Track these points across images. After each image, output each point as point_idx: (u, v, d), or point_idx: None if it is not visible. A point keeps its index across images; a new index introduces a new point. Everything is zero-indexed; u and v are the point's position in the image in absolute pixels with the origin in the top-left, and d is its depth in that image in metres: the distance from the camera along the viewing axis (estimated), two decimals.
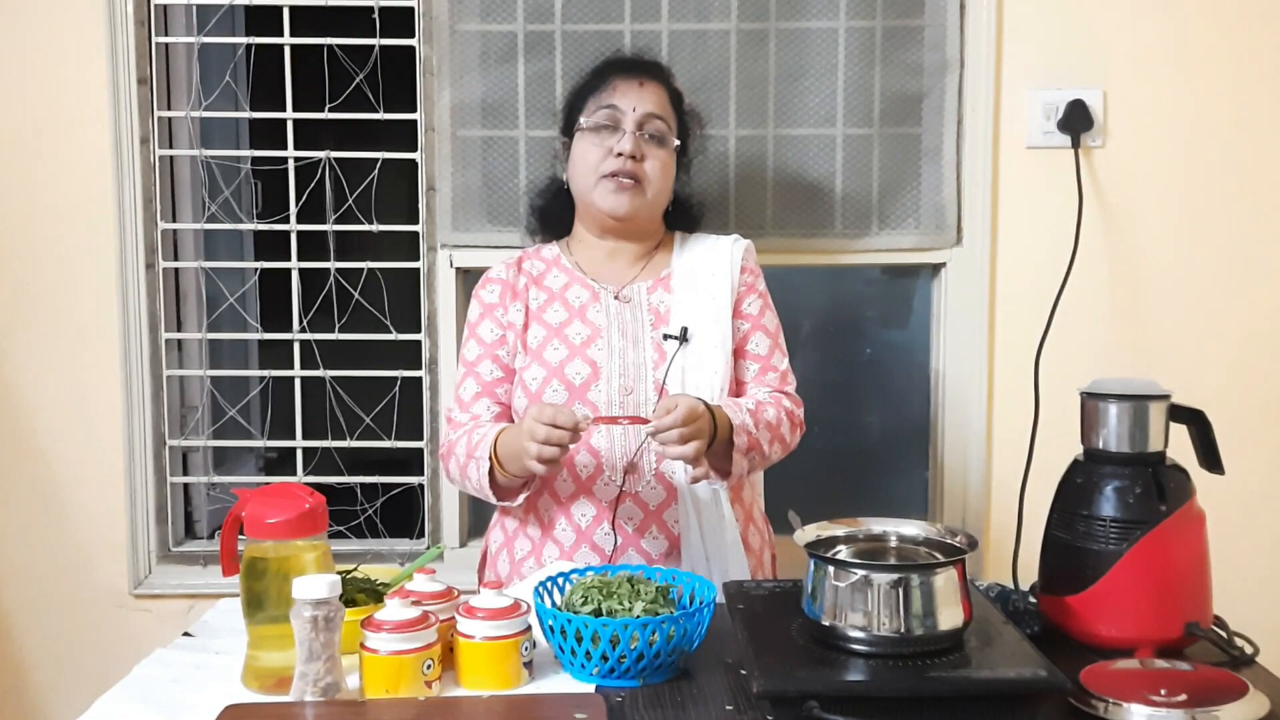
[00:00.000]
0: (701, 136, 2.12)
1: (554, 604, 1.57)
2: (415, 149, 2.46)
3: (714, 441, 1.74)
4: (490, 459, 1.80)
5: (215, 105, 2.51)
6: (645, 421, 1.70)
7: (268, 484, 1.58)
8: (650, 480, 1.85)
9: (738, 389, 1.94)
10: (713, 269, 1.96)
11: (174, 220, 2.53)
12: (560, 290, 1.96)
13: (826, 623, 1.41)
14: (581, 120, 1.96)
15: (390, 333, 2.52)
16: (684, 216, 2.08)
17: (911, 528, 1.56)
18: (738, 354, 1.94)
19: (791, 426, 1.90)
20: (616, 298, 1.94)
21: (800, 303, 2.53)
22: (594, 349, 1.88)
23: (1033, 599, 1.65)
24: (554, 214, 2.06)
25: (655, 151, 1.93)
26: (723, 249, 1.99)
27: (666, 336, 1.89)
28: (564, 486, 1.87)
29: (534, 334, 1.93)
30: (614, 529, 1.84)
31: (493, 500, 1.87)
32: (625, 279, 1.97)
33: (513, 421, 1.93)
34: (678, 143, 1.98)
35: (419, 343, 2.50)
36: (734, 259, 1.97)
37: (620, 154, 1.89)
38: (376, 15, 2.44)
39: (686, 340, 1.88)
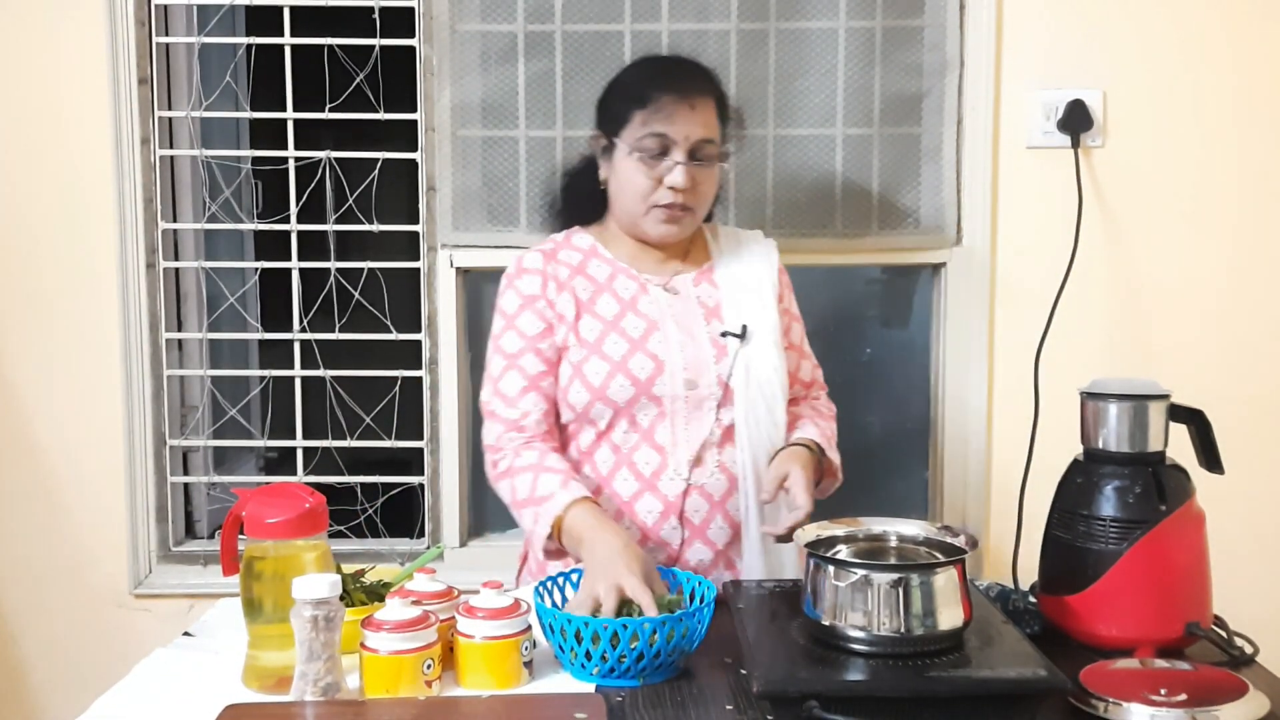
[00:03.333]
0: (740, 131, 2.06)
1: (554, 604, 1.57)
2: (415, 149, 2.46)
3: (823, 476, 1.89)
4: (554, 529, 1.72)
5: (215, 105, 2.51)
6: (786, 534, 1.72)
7: (268, 484, 1.58)
8: (714, 471, 1.84)
9: (799, 388, 1.99)
10: (757, 267, 1.96)
11: (174, 220, 2.54)
12: (606, 281, 1.92)
13: (826, 623, 1.41)
14: (626, 137, 1.85)
15: (390, 333, 2.53)
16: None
17: (911, 527, 1.56)
18: (799, 353, 2.00)
19: None
20: (664, 289, 1.92)
21: (800, 303, 2.52)
22: (654, 342, 1.85)
23: (1032, 599, 1.65)
24: (586, 200, 1.98)
25: (704, 174, 1.87)
26: (759, 246, 1.99)
27: (725, 334, 1.87)
28: (626, 486, 1.84)
29: (588, 326, 1.88)
30: (681, 523, 1.82)
31: (536, 553, 1.83)
32: (667, 271, 1.94)
33: (558, 418, 1.89)
34: (725, 157, 1.93)
35: (419, 342, 2.50)
36: (772, 259, 1.98)
37: (673, 187, 1.84)
38: (377, 15, 2.44)
39: (745, 338, 1.87)
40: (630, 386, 1.83)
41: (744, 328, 1.87)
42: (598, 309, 1.89)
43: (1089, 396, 1.61)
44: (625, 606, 1.51)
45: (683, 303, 1.91)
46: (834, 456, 1.90)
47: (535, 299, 1.90)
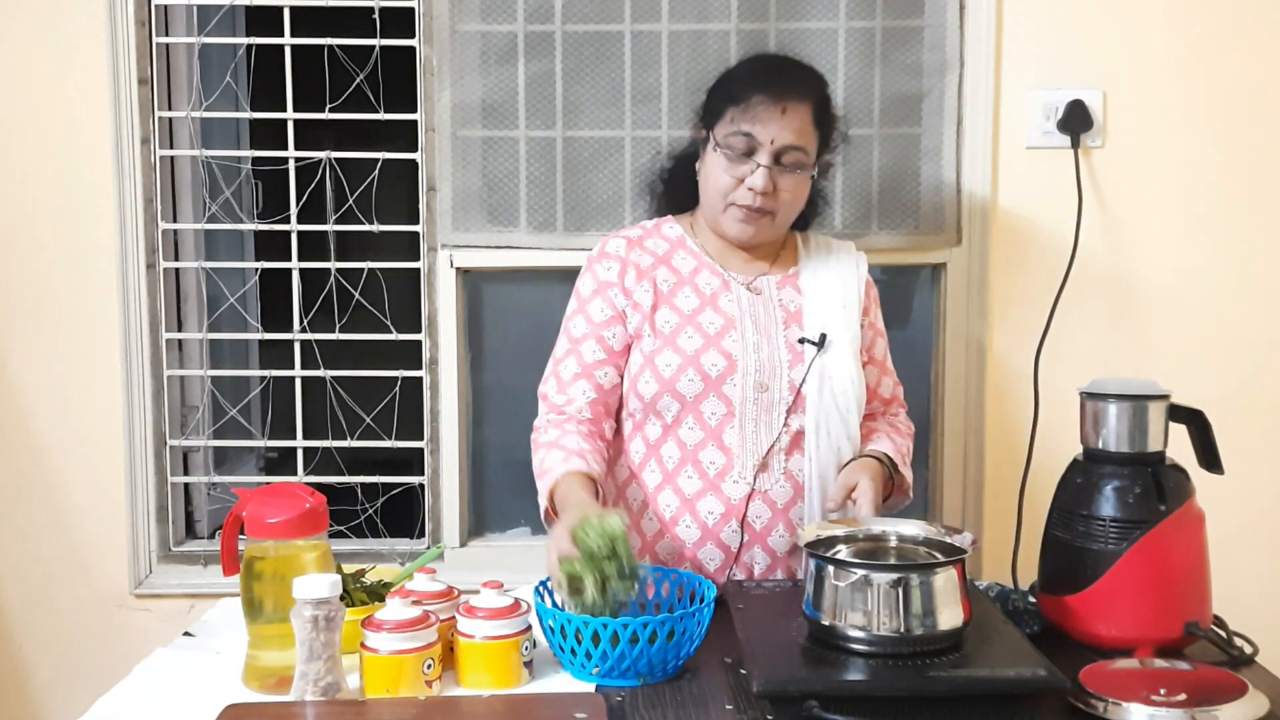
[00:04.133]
0: (844, 140, 2.01)
1: (554, 604, 1.57)
2: (415, 149, 2.47)
3: (893, 489, 1.86)
4: (548, 499, 1.75)
5: (216, 105, 2.51)
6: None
7: (268, 484, 1.58)
8: (779, 478, 1.83)
9: (878, 403, 1.98)
10: (843, 276, 1.93)
11: (174, 220, 2.54)
12: (690, 274, 1.91)
13: (826, 622, 1.41)
14: (718, 132, 1.85)
15: (391, 333, 2.53)
16: (804, 215, 2.01)
17: (911, 527, 1.56)
18: (881, 369, 1.98)
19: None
20: (748, 288, 1.91)
21: None
22: (728, 340, 1.85)
23: (1032, 599, 1.65)
24: (683, 186, 1.98)
25: (789, 181, 1.84)
26: (848, 255, 1.97)
27: (803, 340, 1.86)
28: (690, 484, 1.83)
29: (664, 317, 1.87)
30: (742, 527, 1.81)
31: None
32: (753, 270, 1.93)
33: (612, 407, 1.89)
34: (815, 165, 1.90)
35: (419, 343, 2.50)
36: (861, 269, 1.96)
37: (752, 189, 1.83)
38: (377, 15, 2.44)
39: (823, 347, 1.85)
40: (700, 381, 1.82)
41: (823, 336, 1.85)
42: (677, 301, 1.89)
43: (1088, 396, 1.62)
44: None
45: (764, 304, 1.90)
46: (906, 474, 1.88)
47: (610, 286, 1.90)
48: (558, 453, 1.78)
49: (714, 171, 1.86)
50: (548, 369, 1.92)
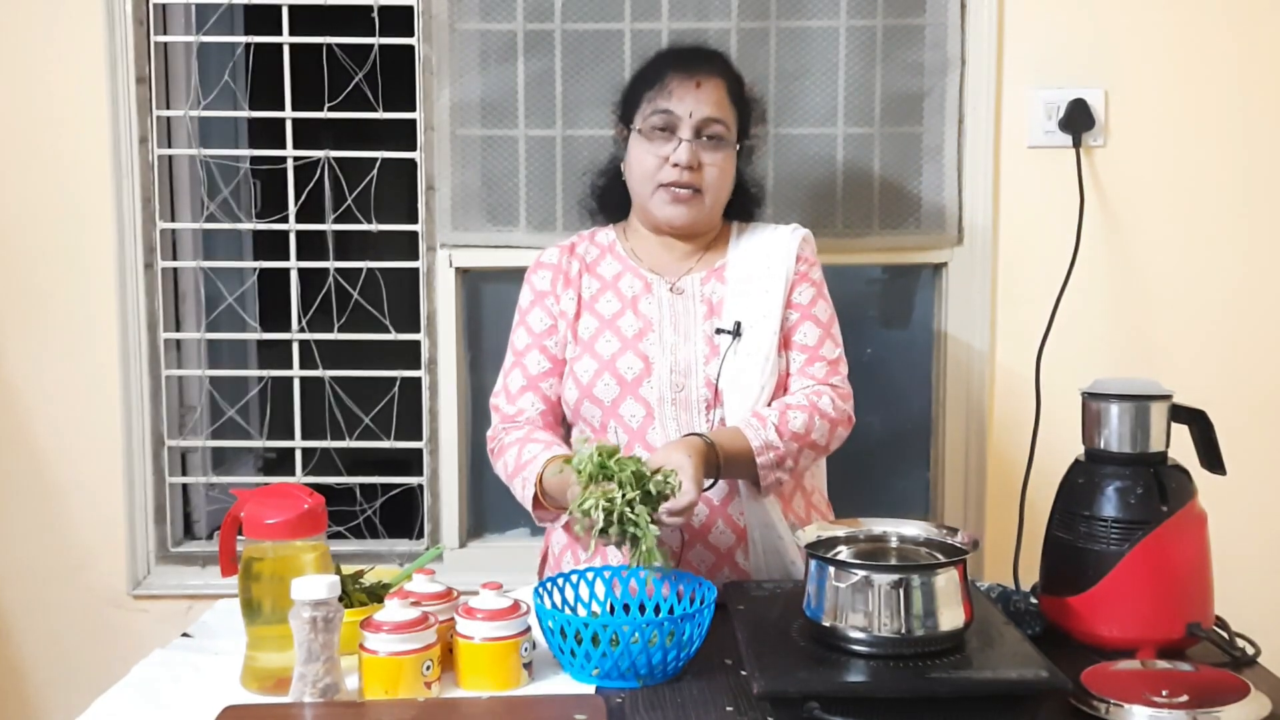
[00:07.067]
0: (762, 122, 2.05)
1: (554, 604, 1.57)
2: (415, 148, 2.46)
3: (720, 470, 1.72)
4: (536, 485, 1.75)
5: (214, 104, 2.50)
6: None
7: (267, 484, 1.57)
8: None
9: (784, 380, 1.89)
10: (769, 262, 1.90)
11: (173, 220, 2.53)
12: (613, 279, 1.92)
13: (827, 623, 1.41)
14: (637, 120, 1.89)
15: (389, 333, 2.52)
16: (742, 205, 2.01)
17: (912, 528, 1.55)
18: (785, 344, 1.88)
19: (830, 427, 1.83)
20: (671, 289, 1.91)
21: None
22: (645, 343, 1.85)
23: (1034, 599, 1.65)
24: (614, 197, 2.00)
25: (713, 156, 1.86)
26: (780, 240, 1.93)
27: (719, 331, 1.85)
28: None
29: (585, 324, 1.89)
30: (681, 526, 1.80)
31: (534, 520, 1.85)
32: (680, 270, 1.93)
33: (560, 416, 1.91)
34: (738, 145, 1.91)
35: (418, 343, 2.50)
36: (791, 249, 1.91)
37: (677, 164, 1.84)
38: (376, 14, 2.44)
39: (739, 335, 1.84)
40: (615, 385, 1.83)
41: (737, 324, 1.85)
42: (598, 307, 1.90)
43: (1090, 397, 1.61)
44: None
45: (685, 302, 1.90)
46: (753, 436, 1.74)
47: (545, 295, 1.93)
48: (534, 445, 1.80)
49: (638, 157, 1.89)
50: (498, 382, 1.94)
